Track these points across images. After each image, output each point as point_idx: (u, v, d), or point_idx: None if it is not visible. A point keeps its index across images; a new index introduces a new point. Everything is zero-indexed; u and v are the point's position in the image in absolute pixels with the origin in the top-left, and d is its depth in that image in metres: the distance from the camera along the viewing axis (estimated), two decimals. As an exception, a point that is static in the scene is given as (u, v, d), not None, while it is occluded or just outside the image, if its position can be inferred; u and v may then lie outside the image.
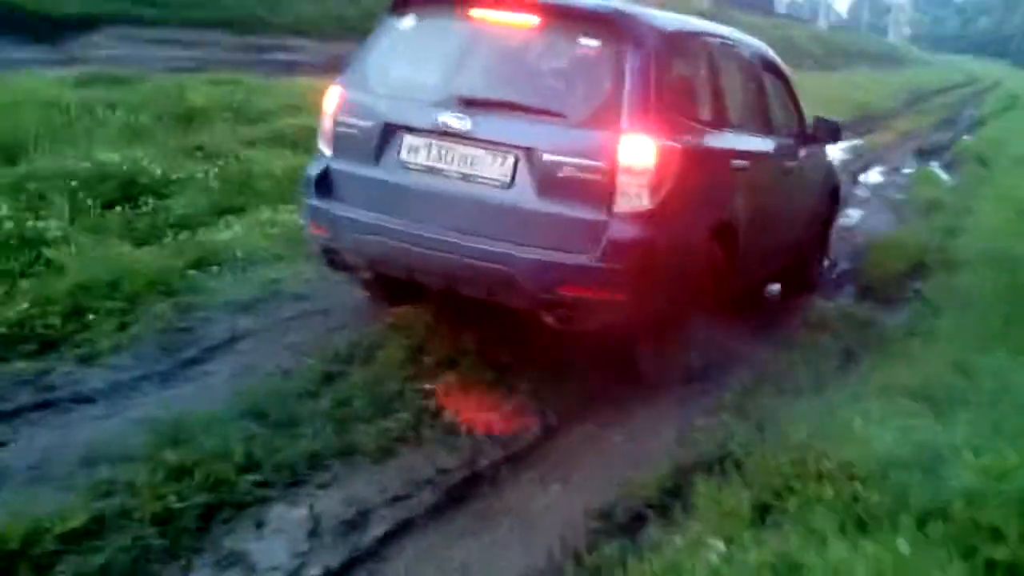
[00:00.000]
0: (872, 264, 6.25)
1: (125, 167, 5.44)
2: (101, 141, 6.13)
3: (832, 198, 5.76)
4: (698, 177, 3.54)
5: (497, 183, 3.33)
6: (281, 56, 12.68)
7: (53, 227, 4.39)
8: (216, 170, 5.80)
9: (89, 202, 4.92)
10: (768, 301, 5.13)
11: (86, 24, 11.48)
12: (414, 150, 3.47)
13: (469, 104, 3.38)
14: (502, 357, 3.75)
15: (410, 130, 3.49)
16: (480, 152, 3.36)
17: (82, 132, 6.38)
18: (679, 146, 3.38)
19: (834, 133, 5.06)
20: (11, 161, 5.47)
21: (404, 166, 3.49)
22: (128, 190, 5.30)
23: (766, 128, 4.52)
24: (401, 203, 3.47)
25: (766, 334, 4.58)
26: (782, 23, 43.86)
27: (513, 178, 3.30)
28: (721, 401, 3.61)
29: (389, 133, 3.51)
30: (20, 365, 3.25)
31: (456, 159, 3.39)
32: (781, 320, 4.89)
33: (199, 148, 6.50)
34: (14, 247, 4.12)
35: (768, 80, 4.67)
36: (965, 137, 15.48)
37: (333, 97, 3.69)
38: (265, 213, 5.31)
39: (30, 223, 4.35)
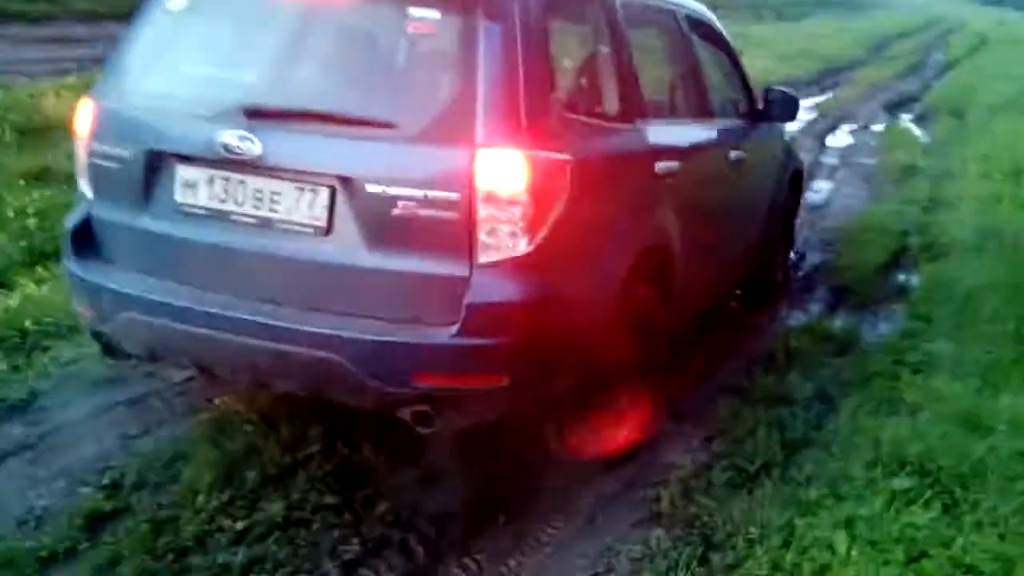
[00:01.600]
0: (845, 255, 5.31)
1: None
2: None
3: (793, 186, 4.70)
4: (604, 196, 2.56)
5: (309, 230, 2.33)
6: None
7: None
8: (36, 201, 4.70)
9: None
10: (723, 321, 4.17)
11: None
12: (191, 187, 2.43)
13: (257, 116, 2.35)
14: (356, 459, 2.76)
15: (184, 158, 2.43)
16: (280, 186, 2.34)
17: None
18: (569, 157, 2.32)
19: (790, 108, 4.07)
20: None
21: (181, 210, 2.45)
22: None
23: (703, 112, 3.51)
24: (182, 264, 2.49)
25: (718, 375, 3.62)
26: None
27: (331, 222, 2.30)
28: (656, 504, 2.65)
29: (157, 163, 2.47)
30: None
31: (249, 197, 2.37)
32: (736, 349, 3.92)
33: (39, 173, 5.39)
34: None
35: (702, 48, 3.61)
36: (935, 85, 14.55)
37: (85, 114, 2.61)
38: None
39: None
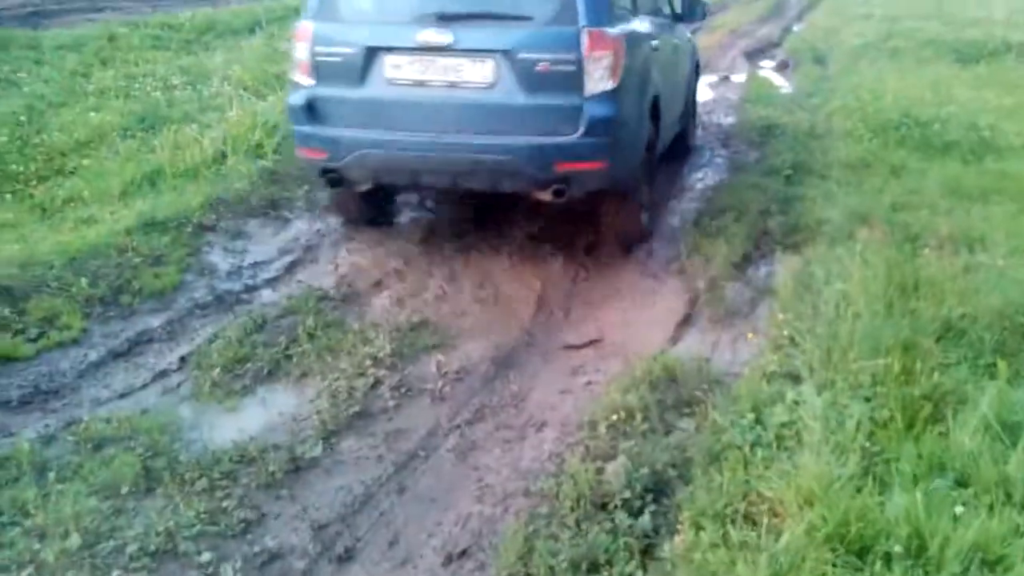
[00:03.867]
0: (698, 247, 4.37)
1: None
2: None
3: (696, 69, 6.49)
4: (638, 58, 4.14)
5: (482, 85, 3.76)
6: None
7: None
8: None
9: None
10: (543, 373, 3.14)
11: None
12: (398, 68, 3.81)
13: (446, 19, 3.75)
14: None
15: (391, 50, 3.82)
16: (462, 61, 3.76)
17: None
18: (624, 33, 3.96)
19: (702, 8, 5.72)
20: None
21: (391, 83, 3.83)
22: None
23: (660, 12, 5.23)
24: (395, 116, 3.85)
25: (518, 465, 2.59)
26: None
27: (496, 79, 3.74)
28: None
29: (371, 56, 3.84)
30: None
31: (440, 70, 3.77)
32: (552, 415, 2.90)
33: None
34: None
35: None
36: (796, 28, 13.98)
37: (305, 31, 3.96)
38: None
39: None
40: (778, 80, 9.44)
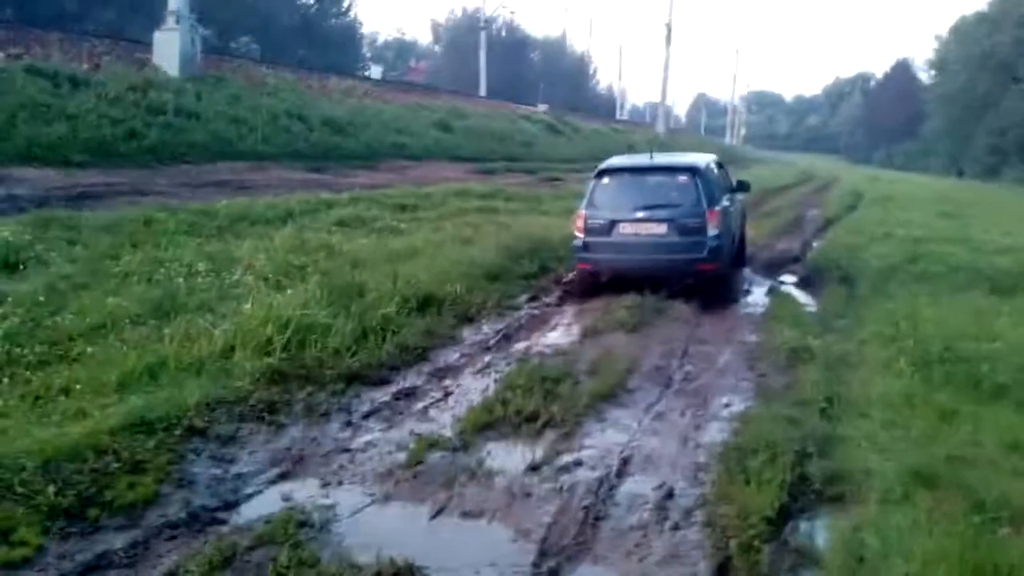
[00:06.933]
0: (725, 495, 3.94)
1: None
2: None
3: (744, 215, 11.35)
4: (726, 218, 8.85)
5: (662, 234, 8.46)
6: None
7: None
8: None
9: None
10: None
11: None
12: (625, 228, 8.56)
13: (646, 208, 8.56)
14: None
15: (622, 221, 8.56)
16: (653, 224, 8.49)
17: None
18: (720, 208, 8.66)
19: (745, 187, 10.60)
20: None
21: (622, 234, 8.57)
22: None
23: (728, 188, 9.92)
24: (624, 248, 8.59)
25: None
26: (623, 128, 45.04)
27: (668, 231, 8.44)
28: None
29: (613, 223, 8.58)
30: None
31: (644, 228, 8.51)
32: None
33: None
34: None
35: (723, 170, 10.22)
36: (815, 244, 14.06)
37: (581, 213, 8.79)
38: None
39: None
40: (801, 298, 9.30)
